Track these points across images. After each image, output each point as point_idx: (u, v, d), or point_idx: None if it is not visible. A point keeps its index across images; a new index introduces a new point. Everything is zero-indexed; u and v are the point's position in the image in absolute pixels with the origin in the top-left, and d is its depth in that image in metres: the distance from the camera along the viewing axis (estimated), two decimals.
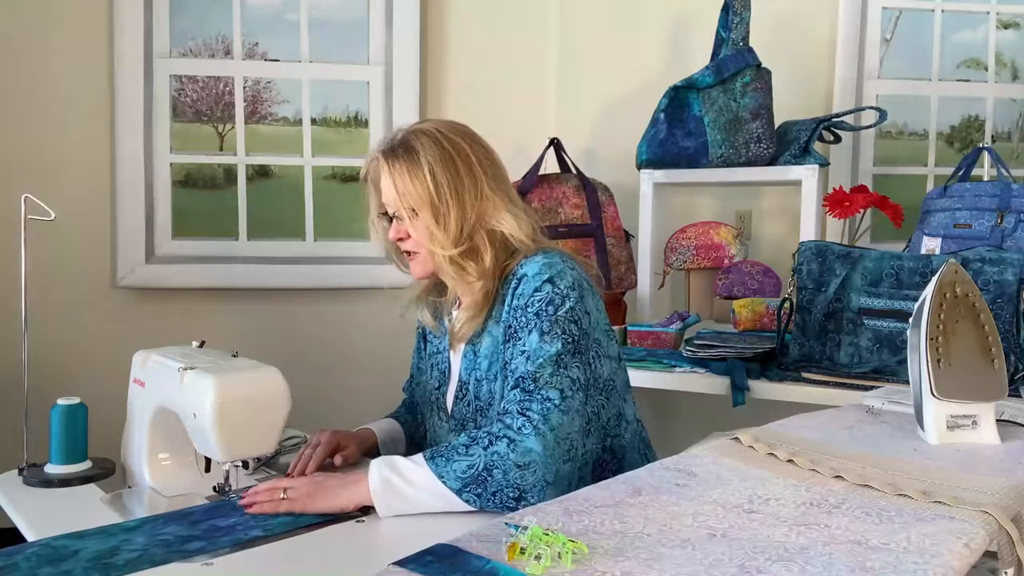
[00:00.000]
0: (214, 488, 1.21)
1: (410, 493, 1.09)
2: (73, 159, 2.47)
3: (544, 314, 1.21)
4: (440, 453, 1.12)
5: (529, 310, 1.22)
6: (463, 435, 1.15)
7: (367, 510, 1.11)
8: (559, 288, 1.22)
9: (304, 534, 1.06)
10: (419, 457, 1.12)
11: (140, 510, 1.17)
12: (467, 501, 1.09)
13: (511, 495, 1.08)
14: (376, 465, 1.12)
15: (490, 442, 1.11)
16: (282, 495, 1.13)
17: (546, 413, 1.13)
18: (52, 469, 1.31)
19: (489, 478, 1.08)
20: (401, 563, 0.67)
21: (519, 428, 1.12)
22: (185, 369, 1.18)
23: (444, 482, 1.09)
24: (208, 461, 1.29)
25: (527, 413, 1.13)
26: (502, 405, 1.20)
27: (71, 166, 2.46)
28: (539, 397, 1.15)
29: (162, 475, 1.28)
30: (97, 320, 2.49)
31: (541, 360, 1.18)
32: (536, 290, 1.23)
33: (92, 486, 1.28)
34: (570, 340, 1.20)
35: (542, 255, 1.27)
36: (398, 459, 1.13)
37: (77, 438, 1.33)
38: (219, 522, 1.08)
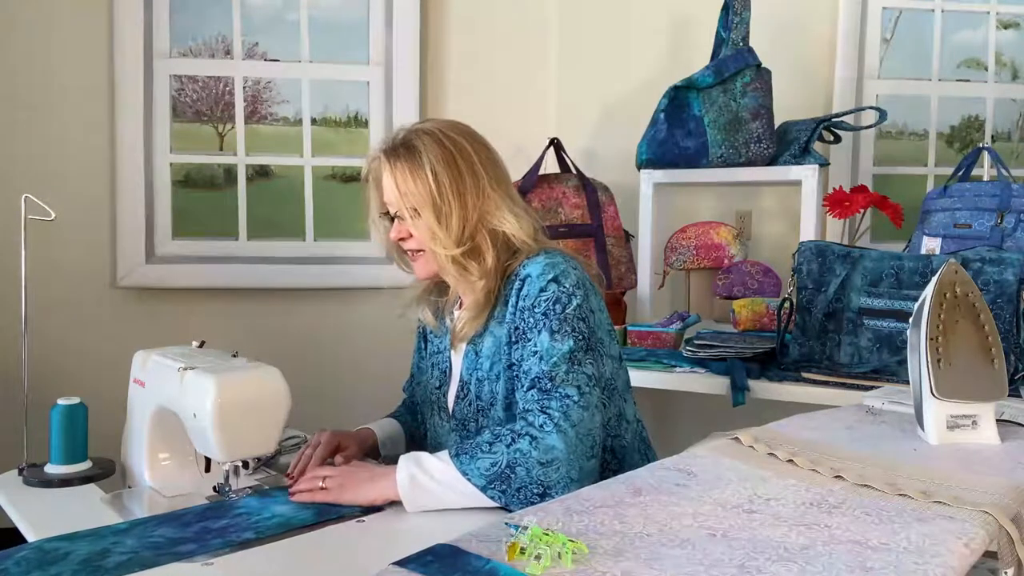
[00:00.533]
0: (214, 488, 1.21)
1: (436, 489, 1.11)
2: (73, 159, 2.47)
3: (552, 313, 1.21)
4: (465, 450, 1.12)
5: (536, 310, 1.22)
6: (487, 432, 1.16)
7: (372, 509, 1.12)
8: (564, 287, 1.23)
9: (305, 534, 1.05)
10: (444, 454, 1.13)
11: (140, 510, 1.16)
12: (492, 498, 1.10)
13: (535, 491, 1.09)
14: (404, 461, 1.13)
15: (513, 439, 1.12)
16: (321, 484, 1.15)
17: (566, 410, 1.14)
18: (52, 469, 1.31)
19: (512, 475, 1.09)
20: (401, 563, 0.67)
21: (541, 426, 1.13)
22: (185, 369, 1.18)
23: (469, 479, 1.10)
24: (208, 461, 1.29)
25: (547, 411, 1.14)
26: (521, 405, 1.20)
27: (71, 166, 2.46)
28: (557, 395, 1.16)
29: (162, 475, 1.28)
30: (97, 320, 2.49)
31: (555, 359, 1.18)
32: (542, 290, 1.23)
33: (92, 486, 1.28)
34: (581, 337, 1.21)
35: (544, 255, 1.27)
36: (425, 456, 1.14)
37: (77, 438, 1.33)
38: (211, 524, 1.07)
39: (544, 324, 1.21)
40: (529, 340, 1.22)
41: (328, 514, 1.11)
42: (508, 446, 1.11)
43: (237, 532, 1.04)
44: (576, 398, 1.15)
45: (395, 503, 1.12)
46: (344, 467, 1.21)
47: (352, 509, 1.12)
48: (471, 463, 1.11)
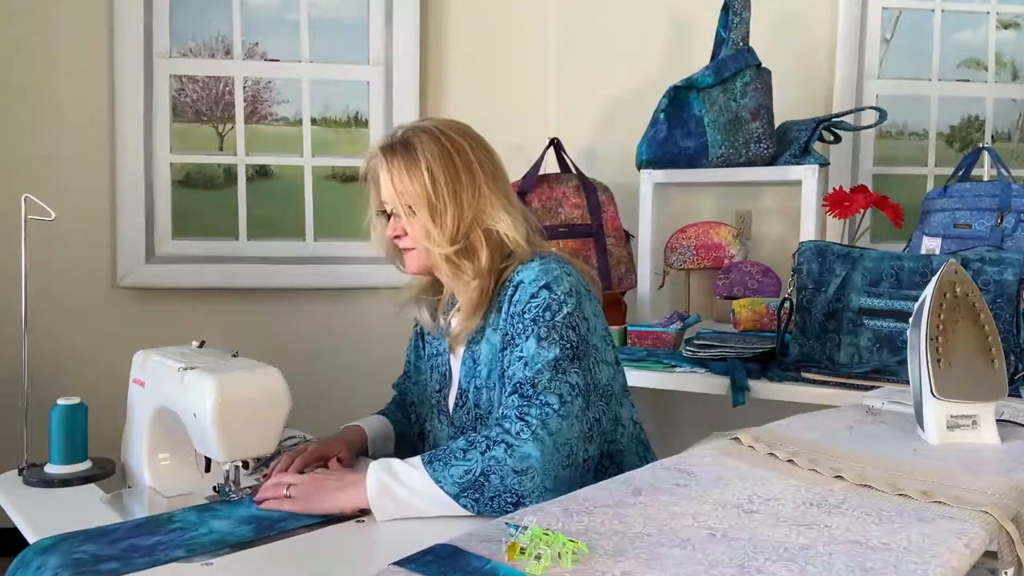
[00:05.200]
0: (214, 488, 1.21)
1: (407, 498, 1.09)
2: (73, 159, 2.47)
3: (541, 320, 1.20)
4: (438, 457, 1.11)
5: (526, 316, 1.21)
6: (461, 439, 1.14)
7: (367, 510, 1.11)
8: (556, 294, 1.22)
9: (304, 534, 1.05)
10: (416, 461, 1.11)
11: (140, 510, 1.17)
12: (464, 506, 1.08)
13: (509, 500, 1.08)
14: (374, 469, 1.11)
15: (488, 447, 1.10)
16: (286, 492, 1.13)
17: (545, 418, 1.12)
18: (52, 469, 1.31)
19: (486, 483, 1.08)
20: (401, 563, 0.67)
21: (517, 433, 1.11)
22: (185, 369, 1.18)
23: (441, 487, 1.08)
24: (208, 461, 1.29)
25: (525, 418, 1.12)
26: (500, 411, 1.19)
27: (71, 166, 2.46)
28: (538, 402, 1.14)
29: (162, 475, 1.28)
30: (97, 320, 2.49)
31: (539, 366, 1.17)
32: (533, 296, 1.22)
33: (92, 486, 1.28)
34: (568, 346, 1.19)
35: (539, 261, 1.26)
36: (396, 463, 1.12)
37: (77, 438, 1.33)
38: (140, 541, 1.03)
39: (532, 330, 1.20)
40: (517, 345, 1.21)
41: (269, 530, 1.06)
42: (483, 453, 1.09)
43: (167, 550, 1.00)
44: (556, 407, 1.14)
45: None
46: (311, 474, 1.18)
47: (298, 523, 1.08)
48: (444, 470, 1.09)
